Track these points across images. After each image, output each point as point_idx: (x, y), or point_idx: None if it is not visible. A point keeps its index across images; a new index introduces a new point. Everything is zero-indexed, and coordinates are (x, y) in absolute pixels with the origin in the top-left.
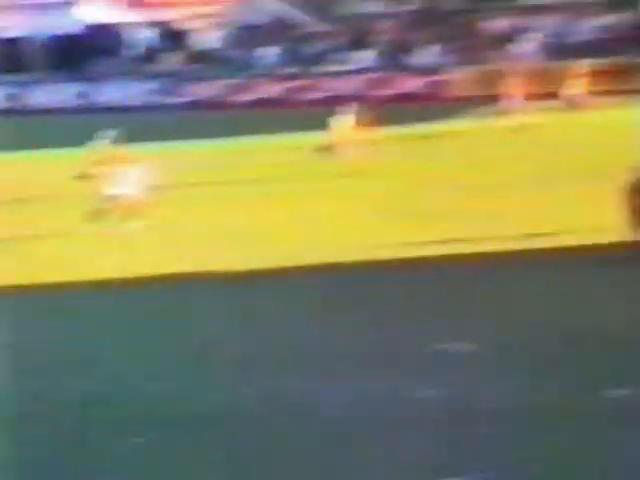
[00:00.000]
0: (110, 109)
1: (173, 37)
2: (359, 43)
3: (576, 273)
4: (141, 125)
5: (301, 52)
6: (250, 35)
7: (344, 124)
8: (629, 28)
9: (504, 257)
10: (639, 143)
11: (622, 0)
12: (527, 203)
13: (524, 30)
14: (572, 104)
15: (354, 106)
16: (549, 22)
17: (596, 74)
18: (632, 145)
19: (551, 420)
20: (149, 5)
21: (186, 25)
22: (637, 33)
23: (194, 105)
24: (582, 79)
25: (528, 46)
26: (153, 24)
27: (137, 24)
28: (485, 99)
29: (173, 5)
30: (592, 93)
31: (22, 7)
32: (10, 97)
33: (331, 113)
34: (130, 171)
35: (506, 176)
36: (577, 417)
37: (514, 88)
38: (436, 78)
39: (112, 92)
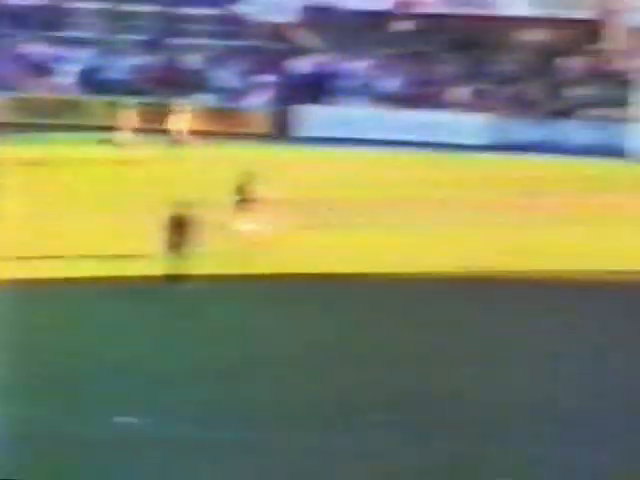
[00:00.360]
0: None
1: None
2: None
3: (103, 301)
4: None
5: None
6: None
7: None
8: (160, 69)
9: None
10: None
11: (153, 42)
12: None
13: (62, 60)
14: (175, 141)
15: None
16: (86, 55)
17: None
18: (177, 181)
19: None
20: None
21: None
22: (167, 74)
23: None
24: (184, 117)
25: (65, 77)
26: None
27: None
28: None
29: None
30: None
31: None
32: None
33: None
34: None
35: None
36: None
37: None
38: None
39: None
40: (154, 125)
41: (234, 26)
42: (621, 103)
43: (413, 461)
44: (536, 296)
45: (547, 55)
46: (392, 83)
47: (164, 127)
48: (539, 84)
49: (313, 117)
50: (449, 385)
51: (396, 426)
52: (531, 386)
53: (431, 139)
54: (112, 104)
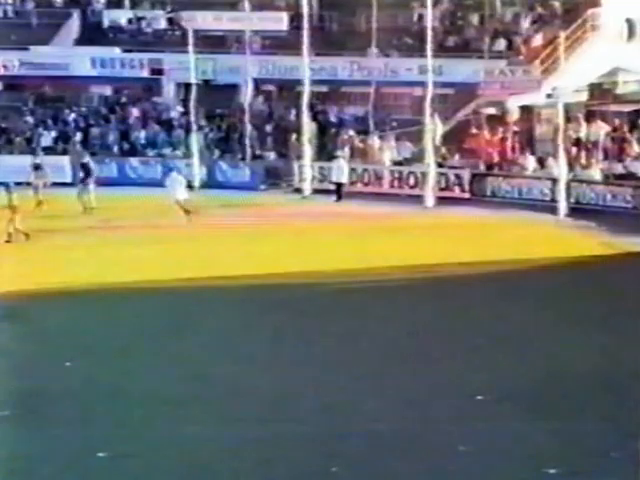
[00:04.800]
0: None
1: None
2: None
3: None
4: None
5: None
6: None
7: None
8: None
9: None
10: None
11: None
12: None
13: None
14: None
15: None
16: None
17: None
18: None
19: None
20: None
21: None
22: None
23: None
24: None
25: None
26: None
27: None
28: None
29: None
30: None
31: None
32: None
33: None
34: None
35: None
36: None
37: None
38: None
39: None
40: None
41: None
42: (175, 143)
43: None
44: None
45: (112, 104)
46: None
47: None
48: (108, 128)
49: None
50: None
51: None
52: None
53: (24, 180)
54: None
